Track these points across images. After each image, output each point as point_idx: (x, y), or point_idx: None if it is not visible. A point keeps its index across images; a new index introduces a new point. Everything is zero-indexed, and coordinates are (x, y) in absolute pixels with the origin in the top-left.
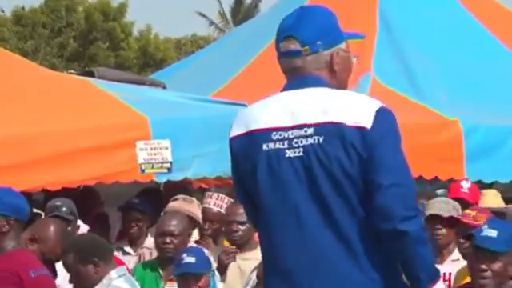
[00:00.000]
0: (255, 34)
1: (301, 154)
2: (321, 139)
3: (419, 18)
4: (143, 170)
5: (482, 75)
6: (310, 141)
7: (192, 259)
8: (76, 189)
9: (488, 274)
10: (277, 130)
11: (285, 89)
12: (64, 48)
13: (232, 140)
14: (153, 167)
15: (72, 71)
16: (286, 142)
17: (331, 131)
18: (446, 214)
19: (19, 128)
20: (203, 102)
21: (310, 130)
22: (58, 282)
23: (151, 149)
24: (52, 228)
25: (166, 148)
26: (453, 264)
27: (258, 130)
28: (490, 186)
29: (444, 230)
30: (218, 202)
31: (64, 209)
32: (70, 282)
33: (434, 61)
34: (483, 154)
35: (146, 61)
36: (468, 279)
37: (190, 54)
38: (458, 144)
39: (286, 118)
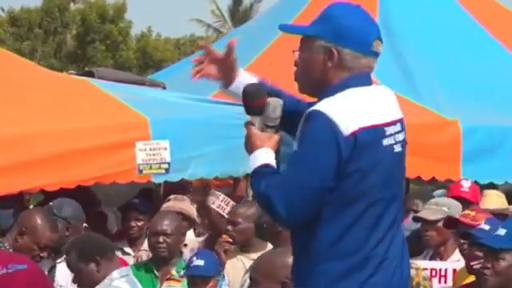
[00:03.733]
0: (255, 34)
1: (400, 149)
2: (403, 134)
3: (419, 19)
4: (141, 171)
5: (482, 76)
6: (402, 136)
7: (201, 262)
8: (74, 189)
9: (490, 272)
10: (386, 125)
11: (359, 84)
12: (60, 48)
13: (360, 131)
14: (151, 168)
15: (72, 71)
16: (392, 138)
17: (404, 127)
18: (431, 217)
19: (18, 128)
20: (203, 102)
21: (399, 126)
22: (60, 281)
23: (150, 149)
24: (36, 216)
25: (165, 149)
26: (452, 263)
27: (378, 124)
28: (495, 186)
29: (430, 232)
30: (222, 205)
31: (67, 214)
32: (74, 281)
33: (434, 61)
34: (480, 155)
35: (145, 61)
36: (469, 279)
37: (189, 54)
38: (456, 144)
39: (385, 114)
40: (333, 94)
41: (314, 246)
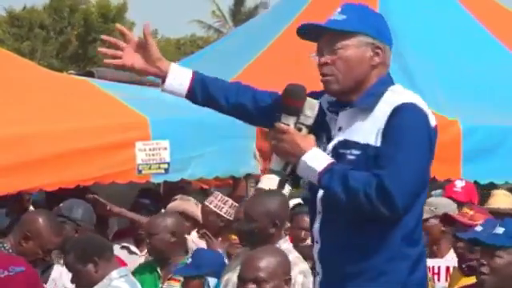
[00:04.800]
0: (256, 33)
1: None
2: None
3: (419, 19)
4: (140, 171)
5: (482, 75)
6: None
7: (188, 261)
8: (74, 189)
9: (486, 270)
10: None
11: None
12: (65, 48)
13: (435, 128)
14: (150, 168)
15: (71, 71)
16: None
17: None
18: None
19: (18, 128)
20: None
21: None
22: (66, 283)
23: (150, 149)
24: (40, 220)
25: (165, 149)
26: (446, 261)
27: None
28: (495, 186)
29: None
30: (219, 204)
31: (76, 216)
32: (72, 281)
33: (434, 61)
34: (480, 155)
35: None
36: (464, 279)
37: (189, 54)
38: (456, 144)
39: None
40: (378, 91)
41: (397, 235)
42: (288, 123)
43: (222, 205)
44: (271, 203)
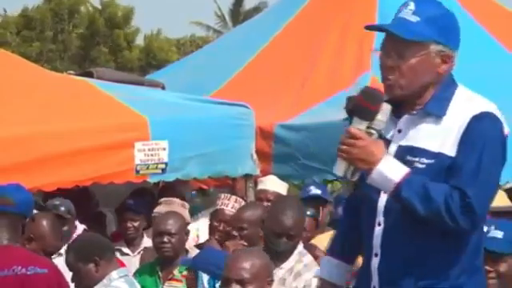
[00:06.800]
0: (256, 31)
1: None
2: None
3: None
4: (138, 171)
5: (481, 76)
6: None
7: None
8: (72, 189)
9: (493, 275)
10: None
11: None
12: (67, 48)
13: (507, 136)
14: (148, 168)
15: (71, 72)
16: None
17: None
18: None
19: (17, 128)
20: (203, 102)
21: None
22: None
23: (149, 150)
24: (45, 223)
25: (164, 149)
26: None
27: None
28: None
29: None
30: (236, 205)
31: (62, 208)
32: (72, 280)
33: None
34: None
35: (148, 61)
36: None
37: (189, 53)
38: None
39: None
40: (446, 95)
41: (470, 246)
42: (360, 128)
43: (237, 205)
44: (298, 212)
